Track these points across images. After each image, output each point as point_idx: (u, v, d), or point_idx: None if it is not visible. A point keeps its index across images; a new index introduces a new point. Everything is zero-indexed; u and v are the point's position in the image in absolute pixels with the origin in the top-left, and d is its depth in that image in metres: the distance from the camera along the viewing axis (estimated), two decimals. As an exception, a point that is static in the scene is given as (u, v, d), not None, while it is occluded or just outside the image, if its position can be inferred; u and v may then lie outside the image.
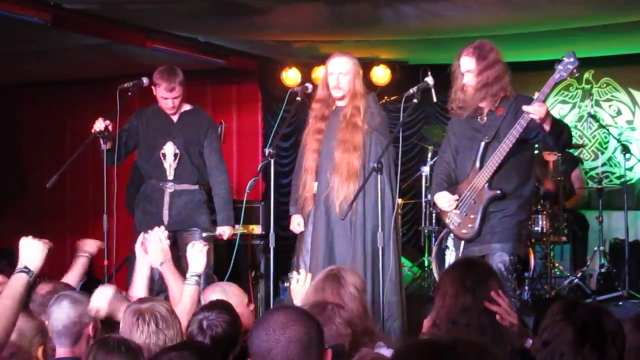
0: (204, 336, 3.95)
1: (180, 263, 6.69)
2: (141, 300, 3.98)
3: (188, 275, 4.79)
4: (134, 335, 3.65)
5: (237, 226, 7.35)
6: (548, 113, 5.81)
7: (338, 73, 6.69)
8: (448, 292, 3.91)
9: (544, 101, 5.87)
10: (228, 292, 4.85)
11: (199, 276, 4.75)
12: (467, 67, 6.16)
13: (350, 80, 6.68)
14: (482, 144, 6.11)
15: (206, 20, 8.82)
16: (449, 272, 4.12)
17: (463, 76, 6.20)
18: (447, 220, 6.29)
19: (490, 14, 8.31)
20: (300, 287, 5.00)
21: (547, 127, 5.83)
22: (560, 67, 5.86)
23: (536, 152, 7.57)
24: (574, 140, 10.17)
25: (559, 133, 5.98)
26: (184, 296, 4.65)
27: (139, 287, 5.07)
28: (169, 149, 7.24)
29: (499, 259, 5.97)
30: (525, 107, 5.81)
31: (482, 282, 3.93)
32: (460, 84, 6.22)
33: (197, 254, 4.87)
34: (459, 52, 6.25)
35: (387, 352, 3.93)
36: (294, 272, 5.25)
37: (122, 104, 6.88)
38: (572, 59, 5.84)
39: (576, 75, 5.95)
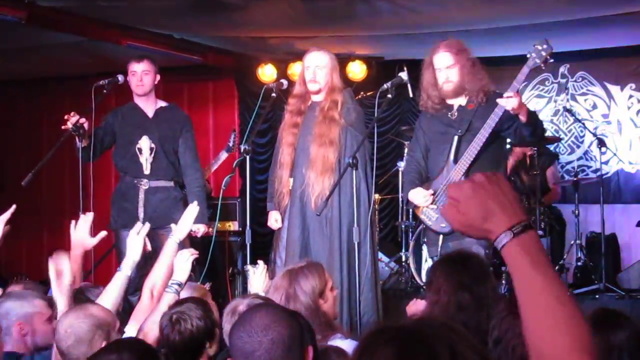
0: (173, 330, 3.91)
1: (153, 260, 6.67)
2: None
3: (170, 282, 4.58)
4: None
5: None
6: (522, 103, 5.85)
7: (315, 66, 6.66)
8: (442, 288, 3.77)
9: (518, 90, 5.91)
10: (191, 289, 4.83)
11: (180, 285, 4.61)
12: (446, 63, 6.16)
13: (327, 74, 6.65)
14: (456, 137, 6.12)
15: (181, 17, 8.80)
16: (443, 266, 3.95)
17: (438, 73, 6.20)
18: (422, 216, 6.29)
19: (465, 9, 8.34)
20: (259, 276, 5.03)
21: (523, 118, 5.85)
22: (533, 54, 5.89)
23: (508, 146, 7.60)
24: (550, 134, 10.25)
25: (535, 125, 6.00)
26: (161, 304, 4.51)
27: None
28: (145, 144, 7.21)
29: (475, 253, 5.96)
30: (499, 100, 5.84)
31: (481, 278, 3.80)
32: (432, 81, 6.22)
33: (183, 263, 4.70)
34: (433, 50, 6.25)
35: (342, 342, 3.90)
36: (249, 266, 5.25)
37: (97, 102, 6.87)
38: (545, 46, 5.86)
39: (550, 61, 5.96)
